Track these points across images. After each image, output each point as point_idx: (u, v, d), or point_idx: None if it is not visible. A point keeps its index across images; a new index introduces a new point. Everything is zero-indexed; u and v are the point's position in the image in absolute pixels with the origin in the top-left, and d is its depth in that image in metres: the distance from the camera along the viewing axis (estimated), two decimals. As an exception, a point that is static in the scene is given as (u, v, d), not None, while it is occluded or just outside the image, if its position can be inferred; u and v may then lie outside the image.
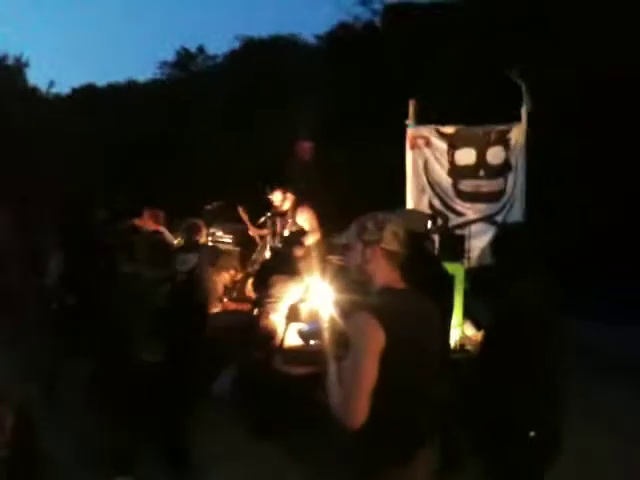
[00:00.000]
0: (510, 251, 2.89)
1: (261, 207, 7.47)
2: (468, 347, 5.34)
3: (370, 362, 2.20)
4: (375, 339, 2.21)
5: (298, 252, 6.11)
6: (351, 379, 2.23)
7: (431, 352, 2.38)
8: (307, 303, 5.63)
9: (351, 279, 2.55)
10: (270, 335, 5.32)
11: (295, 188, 6.65)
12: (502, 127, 7.21)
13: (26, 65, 27.46)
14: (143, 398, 3.48)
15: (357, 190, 13.78)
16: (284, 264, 6.08)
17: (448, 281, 4.44)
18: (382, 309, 2.25)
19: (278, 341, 5.29)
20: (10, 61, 26.92)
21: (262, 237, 7.37)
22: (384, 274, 2.40)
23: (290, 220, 6.58)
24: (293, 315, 5.60)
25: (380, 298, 2.36)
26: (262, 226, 7.10)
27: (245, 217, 7.49)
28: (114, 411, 3.63)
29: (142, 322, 3.55)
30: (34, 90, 27.58)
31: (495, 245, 3.06)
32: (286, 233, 6.56)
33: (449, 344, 4.68)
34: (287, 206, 6.66)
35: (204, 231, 6.26)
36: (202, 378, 4.11)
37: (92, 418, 3.94)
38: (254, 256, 7.38)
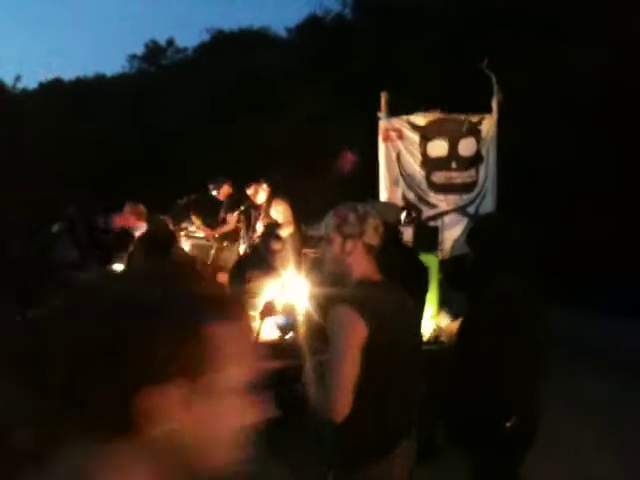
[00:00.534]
0: (487, 242, 2.90)
1: (213, 203, 7.55)
2: (442, 338, 5.36)
3: (352, 355, 2.19)
4: (356, 332, 2.20)
5: (275, 246, 6.09)
6: (333, 372, 2.21)
7: (409, 344, 2.38)
8: (283, 296, 5.62)
9: (327, 272, 2.53)
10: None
11: (270, 179, 6.66)
12: (474, 117, 7.25)
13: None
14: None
15: (329, 182, 13.80)
16: (260, 259, 6.05)
17: (425, 272, 4.46)
18: (361, 301, 2.24)
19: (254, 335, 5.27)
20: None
21: (216, 237, 7.37)
22: (362, 267, 2.39)
23: (264, 213, 6.57)
24: (267, 311, 5.58)
25: (359, 290, 2.35)
26: (239, 220, 7.07)
27: (197, 220, 7.46)
28: None
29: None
30: (0, 85, 27.00)
31: (472, 236, 3.06)
32: (259, 226, 6.54)
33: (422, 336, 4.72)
34: (261, 199, 6.64)
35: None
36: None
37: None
38: (224, 253, 7.37)
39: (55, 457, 0.72)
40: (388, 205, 6.13)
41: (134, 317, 0.75)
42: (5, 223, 8.23)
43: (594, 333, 7.82)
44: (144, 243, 5.55)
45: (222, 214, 7.49)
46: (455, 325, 5.53)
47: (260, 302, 5.56)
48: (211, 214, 7.60)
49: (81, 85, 33.01)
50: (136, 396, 0.74)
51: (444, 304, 5.90)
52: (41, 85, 34.14)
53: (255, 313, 5.55)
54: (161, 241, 5.39)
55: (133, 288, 0.79)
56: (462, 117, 7.24)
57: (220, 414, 0.81)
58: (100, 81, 33.83)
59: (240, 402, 0.82)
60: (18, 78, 32.14)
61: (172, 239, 5.62)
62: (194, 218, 7.59)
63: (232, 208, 7.22)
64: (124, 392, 0.73)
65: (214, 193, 7.73)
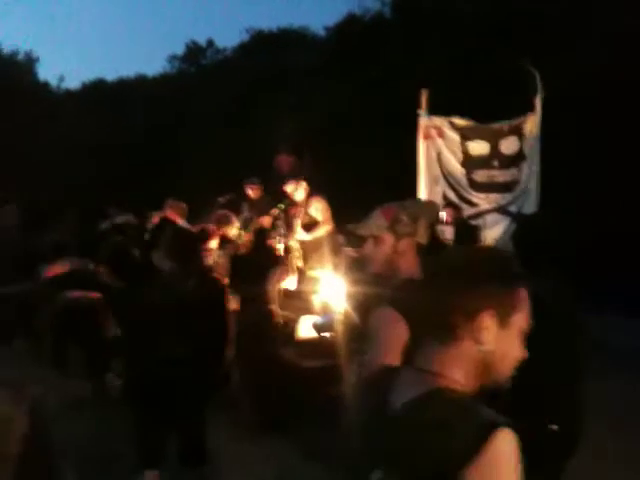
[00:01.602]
0: (534, 243, 2.80)
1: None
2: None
3: (393, 357, 2.14)
4: (399, 335, 2.14)
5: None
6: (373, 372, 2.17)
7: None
8: (320, 295, 5.58)
9: (369, 271, 2.48)
10: (283, 328, 5.28)
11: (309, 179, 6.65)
12: (515, 121, 7.11)
13: (36, 60, 27.59)
14: (171, 393, 3.46)
15: (368, 181, 13.73)
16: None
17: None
18: (405, 302, 2.19)
19: (291, 334, 5.24)
20: (21, 57, 27.02)
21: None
22: (411, 267, 2.34)
23: (303, 211, 6.54)
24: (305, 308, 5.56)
25: (402, 291, 2.29)
26: (276, 217, 7.02)
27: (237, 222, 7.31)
28: (144, 406, 3.60)
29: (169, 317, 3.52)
30: (45, 85, 27.67)
31: (516, 237, 2.96)
32: (298, 223, 6.52)
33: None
34: (300, 197, 6.62)
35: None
36: (218, 375, 4.07)
37: (121, 412, 3.94)
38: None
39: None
40: (427, 204, 6.04)
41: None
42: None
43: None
44: None
45: (253, 215, 7.45)
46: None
47: (317, 300, 5.55)
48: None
49: (123, 85, 33.55)
50: (466, 315, 1.24)
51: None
52: (84, 85, 34.80)
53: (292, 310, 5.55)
54: None
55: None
56: (500, 125, 7.13)
57: (513, 344, 1.28)
58: (141, 81, 34.31)
59: (520, 340, 1.29)
60: (62, 78, 32.95)
61: None
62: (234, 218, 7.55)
63: (265, 210, 7.18)
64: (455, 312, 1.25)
65: (249, 193, 7.72)
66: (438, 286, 1.30)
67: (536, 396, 2.60)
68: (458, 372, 1.27)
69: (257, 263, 5.57)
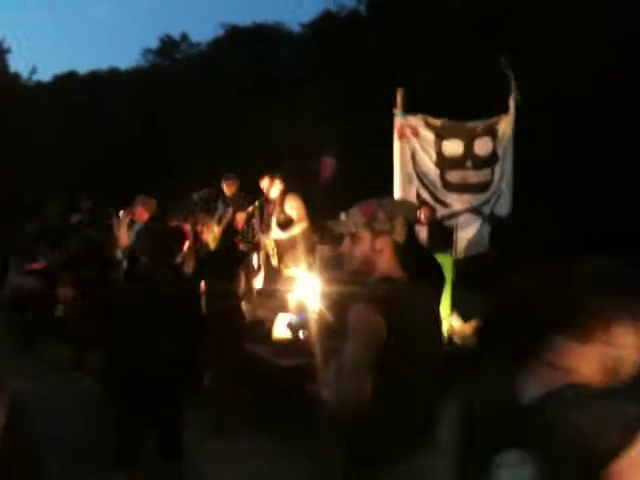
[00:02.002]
0: (512, 243, 2.86)
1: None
2: (456, 339, 5.33)
3: (369, 353, 2.16)
4: (375, 331, 2.16)
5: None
6: (349, 369, 2.17)
7: (431, 343, 2.34)
8: (295, 294, 5.59)
9: (347, 269, 2.49)
10: (257, 326, 5.28)
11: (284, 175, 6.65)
12: (489, 121, 7.18)
13: (7, 51, 27.03)
14: (150, 388, 3.45)
15: (342, 178, 13.76)
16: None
17: (440, 272, 4.42)
18: (382, 299, 2.21)
19: (267, 333, 5.24)
20: (-9, 47, 26.47)
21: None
22: (388, 264, 2.35)
23: (278, 208, 6.54)
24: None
25: (379, 288, 2.31)
26: (251, 214, 7.00)
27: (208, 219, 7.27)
28: (124, 404, 3.60)
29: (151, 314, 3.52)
30: (16, 77, 27.14)
31: (493, 238, 3.01)
32: (273, 221, 6.51)
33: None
34: (275, 193, 6.61)
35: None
36: (195, 370, 4.07)
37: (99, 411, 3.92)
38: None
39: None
40: (405, 203, 6.08)
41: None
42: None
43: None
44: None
45: (228, 211, 7.43)
46: (468, 327, 5.50)
47: (292, 298, 5.55)
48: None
49: (95, 78, 33.10)
50: (601, 320, 1.37)
51: (457, 305, 5.85)
52: (56, 78, 34.23)
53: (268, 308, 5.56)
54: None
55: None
56: (475, 124, 7.18)
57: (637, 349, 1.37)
58: (114, 74, 33.91)
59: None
60: (33, 70, 32.40)
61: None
62: (203, 216, 7.50)
63: (241, 207, 7.15)
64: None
65: (225, 189, 7.68)
66: (578, 291, 1.42)
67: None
68: (589, 369, 1.39)
69: (224, 260, 5.57)
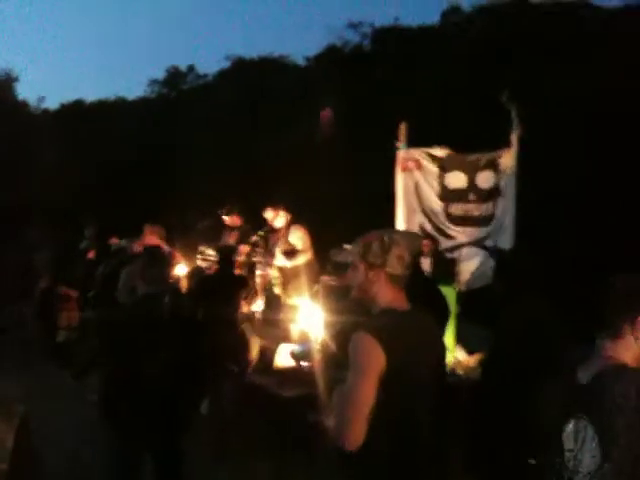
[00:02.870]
0: (515, 276, 2.88)
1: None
2: (459, 371, 5.31)
3: (369, 384, 2.15)
4: (375, 361, 2.16)
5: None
6: (348, 400, 2.17)
7: (433, 374, 2.34)
8: (298, 324, 5.58)
9: (351, 298, 2.51)
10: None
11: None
12: (492, 154, 7.22)
13: (16, 80, 27.40)
14: (147, 410, 3.45)
15: (344, 211, 13.83)
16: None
17: (445, 303, 4.43)
18: (383, 330, 2.22)
19: (269, 362, 5.23)
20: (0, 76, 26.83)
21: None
22: (387, 296, 2.37)
23: (282, 238, 6.57)
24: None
25: (381, 319, 2.32)
26: (255, 244, 7.01)
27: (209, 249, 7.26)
28: (121, 424, 3.59)
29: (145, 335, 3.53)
30: (24, 105, 27.47)
31: (498, 271, 3.04)
32: (278, 250, 6.54)
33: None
34: (280, 223, 6.65)
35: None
36: (196, 395, 4.06)
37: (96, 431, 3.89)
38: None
39: None
40: (408, 234, 6.12)
41: None
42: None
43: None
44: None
45: (231, 242, 7.46)
46: (472, 359, 5.48)
47: (295, 328, 5.55)
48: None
49: (102, 107, 33.46)
50: (630, 321, 1.96)
51: (460, 337, 5.84)
52: (62, 106, 34.60)
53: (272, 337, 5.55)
54: None
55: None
56: (477, 156, 7.22)
57: None
58: (121, 104, 34.28)
59: None
60: (41, 99, 32.77)
61: None
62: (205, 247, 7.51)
63: (243, 239, 7.16)
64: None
65: (225, 219, 7.68)
66: (615, 301, 2.01)
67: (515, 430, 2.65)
68: (625, 358, 1.96)
69: (223, 283, 5.58)
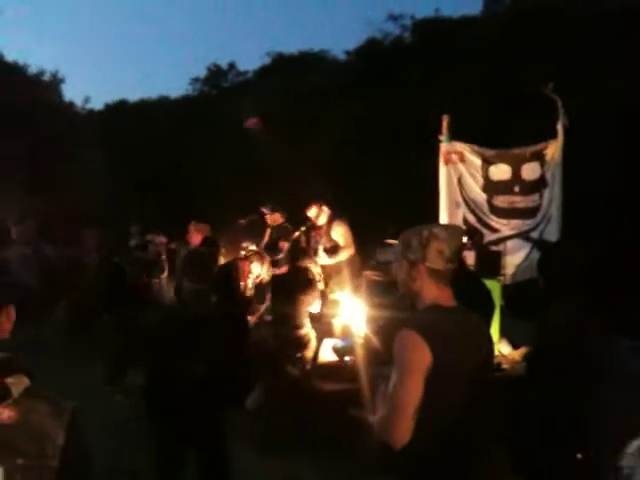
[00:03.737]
0: (557, 271, 2.81)
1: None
2: (505, 366, 5.23)
3: (414, 382, 2.13)
4: (420, 358, 2.14)
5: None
6: (393, 399, 2.15)
7: (479, 372, 2.29)
8: (341, 319, 5.59)
9: (399, 294, 2.49)
10: (304, 349, 5.28)
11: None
12: (537, 146, 7.09)
13: (62, 81, 28.00)
14: (189, 408, 3.49)
15: (388, 205, 13.75)
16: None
17: (489, 298, 4.36)
18: (429, 327, 2.19)
19: (312, 356, 5.25)
20: (47, 77, 27.45)
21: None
22: (431, 291, 2.33)
23: (325, 235, 6.58)
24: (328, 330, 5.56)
25: (426, 316, 2.30)
26: (297, 240, 7.02)
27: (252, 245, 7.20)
28: (164, 421, 3.63)
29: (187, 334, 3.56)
30: (70, 105, 28.07)
31: (542, 265, 2.96)
32: (320, 248, 6.55)
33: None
34: (322, 220, 6.66)
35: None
36: (238, 390, 4.08)
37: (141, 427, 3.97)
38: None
39: None
40: (450, 228, 6.04)
41: None
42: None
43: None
44: None
45: (270, 240, 7.49)
46: (517, 353, 5.40)
47: (338, 323, 5.55)
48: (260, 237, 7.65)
49: (145, 106, 33.98)
50: None
51: (505, 331, 5.75)
52: (107, 106, 35.28)
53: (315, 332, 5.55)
54: None
55: None
56: (523, 149, 7.11)
57: None
58: (163, 102, 34.74)
59: None
60: (87, 99, 33.46)
61: None
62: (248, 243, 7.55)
63: (285, 236, 7.19)
64: None
65: (268, 219, 7.73)
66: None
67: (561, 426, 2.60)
68: None
69: (292, 284, 5.55)
